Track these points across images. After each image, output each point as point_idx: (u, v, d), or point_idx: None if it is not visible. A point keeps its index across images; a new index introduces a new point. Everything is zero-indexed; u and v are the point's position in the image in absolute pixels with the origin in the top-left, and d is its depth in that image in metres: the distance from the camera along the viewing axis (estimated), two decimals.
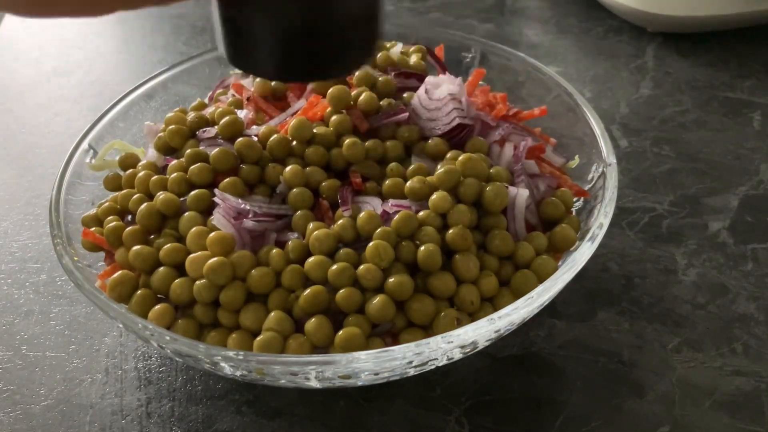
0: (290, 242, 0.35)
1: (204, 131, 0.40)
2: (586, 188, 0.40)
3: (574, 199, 0.40)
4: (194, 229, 0.35)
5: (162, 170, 0.40)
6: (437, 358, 0.32)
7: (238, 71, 0.49)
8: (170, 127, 0.41)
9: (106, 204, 0.39)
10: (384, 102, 0.41)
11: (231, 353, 0.30)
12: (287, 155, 0.39)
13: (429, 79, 0.41)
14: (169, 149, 0.41)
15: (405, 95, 0.42)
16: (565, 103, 0.44)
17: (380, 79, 0.42)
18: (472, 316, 0.33)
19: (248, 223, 0.35)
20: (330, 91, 0.40)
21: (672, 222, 0.46)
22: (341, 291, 0.32)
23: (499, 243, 0.35)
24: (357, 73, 0.42)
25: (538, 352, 0.38)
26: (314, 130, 0.39)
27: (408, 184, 0.36)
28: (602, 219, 0.35)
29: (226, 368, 0.31)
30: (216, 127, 0.40)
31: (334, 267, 0.33)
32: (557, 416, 0.35)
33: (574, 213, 0.40)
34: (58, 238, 0.36)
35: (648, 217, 0.46)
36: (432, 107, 0.40)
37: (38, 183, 0.53)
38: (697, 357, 0.38)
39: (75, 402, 0.37)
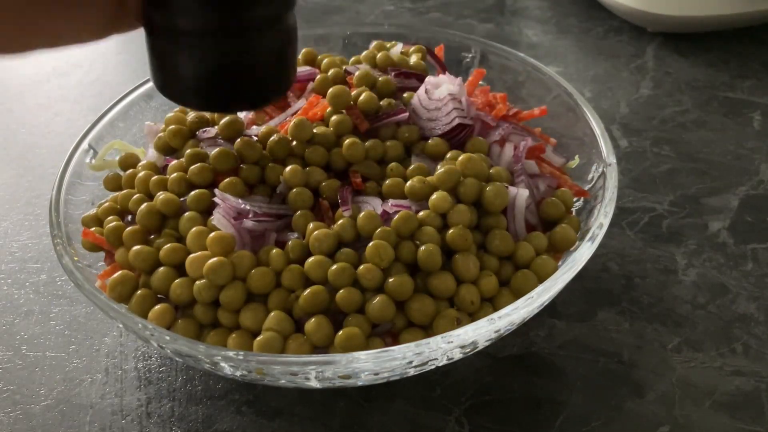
0: (290, 242, 0.35)
1: (204, 131, 0.40)
2: (586, 188, 0.40)
3: (574, 199, 0.40)
4: (194, 229, 0.35)
5: (162, 170, 0.40)
6: (437, 358, 0.32)
7: None
8: (170, 127, 0.41)
9: (106, 204, 0.39)
10: (384, 102, 0.41)
11: (231, 353, 0.30)
12: (287, 155, 0.39)
13: (429, 79, 0.41)
14: (169, 149, 0.41)
15: (405, 95, 0.42)
16: (565, 103, 0.44)
17: (380, 79, 0.42)
18: (472, 316, 0.33)
19: (248, 223, 0.35)
20: (330, 91, 0.40)
21: (672, 222, 0.46)
22: (341, 291, 0.32)
23: (499, 243, 0.35)
24: (357, 73, 0.42)
25: (538, 352, 0.38)
26: (314, 130, 0.39)
27: (408, 184, 0.36)
28: (602, 219, 0.35)
29: (226, 368, 0.31)
30: (216, 127, 0.40)
31: (334, 267, 0.33)
32: (557, 416, 0.35)
33: (574, 213, 0.40)
34: (58, 238, 0.36)
35: (648, 217, 0.46)
36: (432, 107, 0.40)
37: (38, 183, 0.53)
38: (697, 357, 0.38)
39: (75, 402, 0.37)
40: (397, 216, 0.34)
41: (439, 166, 0.36)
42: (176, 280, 0.34)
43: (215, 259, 0.33)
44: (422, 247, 0.33)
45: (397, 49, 0.47)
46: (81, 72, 0.66)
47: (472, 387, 0.37)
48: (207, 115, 0.42)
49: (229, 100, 0.30)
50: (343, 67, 0.44)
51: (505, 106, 0.43)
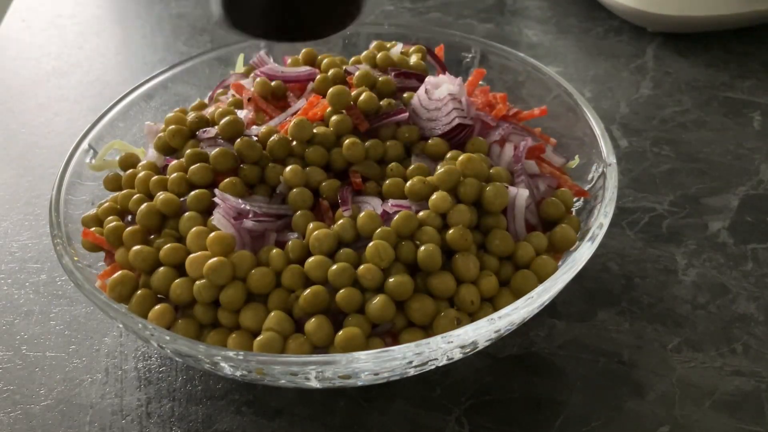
0: (290, 242, 0.35)
1: (204, 131, 0.40)
2: (586, 188, 0.40)
3: (574, 199, 0.40)
4: (194, 229, 0.35)
5: (162, 170, 0.40)
6: (437, 358, 0.32)
7: (238, 71, 0.49)
8: (170, 127, 0.41)
9: (107, 204, 0.39)
10: (384, 102, 0.41)
11: (231, 353, 0.30)
12: (287, 155, 0.39)
13: (429, 79, 0.41)
14: (169, 149, 0.41)
15: (405, 95, 0.42)
16: (565, 103, 0.44)
17: (380, 79, 0.42)
18: (472, 316, 0.33)
19: (248, 223, 0.35)
20: (330, 91, 0.40)
21: (672, 222, 0.46)
22: (341, 291, 0.32)
23: (499, 243, 0.35)
24: (357, 73, 0.42)
25: (538, 352, 0.38)
26: (314, 130, 0.39)
27: (408, 184, 0.36)
28: (602, 219, 0.35)
29: (226, 368, 0.31)
30: (216, 127, 0.40)
31: (334, 267, 0.33)
32: (557, 416, 0.35)
33: (574, 213, 0.40)
34: (58, 238, 0.36)
35: (648, 217, 0.46)
36: (432, 107, 0.40)
37: (38, 183, 0.53)
38: (697, 357, 0.38)
39: (75, 402, 0.37)
40: (397, 216, 0.34)
41: (439, 166, 0.36)
42: (176, 280, 0.34)
43: (215, 259, 0.33)
44: (422, 247, 0.33)
45: (397, 49, 0.47)
46: (81, 72, 0.66)
47: (472, 387, 0.37)
48: (207, 115, 0.42)
49: (296, 26, 0.29)
50: (343, 67, 0.44)
51: (505, 106, 0.43)
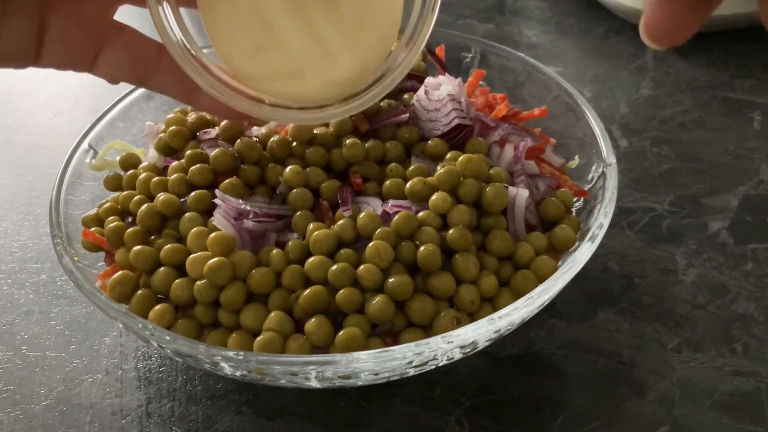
0: (290, 242, 0.35)
1: (204, 132, 0.40)
2: (586, 188, 0.40)
3: (574, 199, 0.40)
4: (194, 229, 0.35)
5: (163, 171, 0.40)
6: (437, 358, 0.32)
7: None
8: (171, 128, 0.41)
9: (107, 204, 0.39)
10: (384, 103, 0.41)
11: (231, 353, 0.30)
12: (287, 156, 0.39)
13: (428, 80, 0.41)
14: (169, 150, 0.41)
15: (405, 96, 0.42)
16: (565, 103, 0.44)
17: None
18: (472, 316, 0.33)
19: (248, 223, 0.35)
20: None
21: (672, 222, 0.46)
22: (341, 291, 0.32)
23: (499, 243, 0.35)
24: None
25: (538, 352, 0.38)
26: (314, 131, 0.39)
27: (408, 184, 0.36)
28: (602, 219, 0.35)
29: (226, 368, 0.31)
30: (216, 128, 0.40)
31: (334, 267, 0.33)
32: (557, 416, 0.35)
33: (574, 213, 0.40)
34: (58, 238, 0.36)
35: (648, 217, 0.46)
36: (431, 108, 0.40)
37: (38, 183, 0.53)
38: (697, 357, 0.38)
39: (75, 402, 0.37)
40: (397, 216, 0.34)
41: (438, 167, 0.36)
42: (176, 281, 0.34)
43: (216, 259, 0.33)
44: (422, 247, 0.33)
45: None
46: None
47: (472, 387, 0.37)
48: (207, 116, 0.42)
49: None
50: None
51: (505, 106, 0.43)
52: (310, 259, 0.33)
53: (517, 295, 0.33)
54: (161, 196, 0.37)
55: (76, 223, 0.39)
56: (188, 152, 0.39)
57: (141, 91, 0.46)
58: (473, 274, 0.34)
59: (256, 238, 0.36)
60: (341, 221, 0.35)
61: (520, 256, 0.35)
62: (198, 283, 0.33)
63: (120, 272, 0.35)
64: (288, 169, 0.37)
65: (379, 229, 0.34)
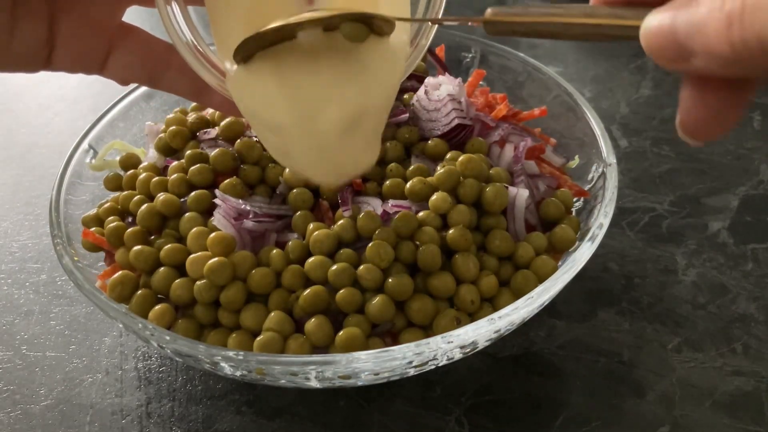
0: (290, 242, 0.35)
1: (204, 132, 0.40)
2: (586, 188, 0.40)
3: (574, 199, 0.40)
4: (195, 229, 0.35)
5: (163, 171, 0.40)
6: (437, 358, 0.32)
7: None
8: (171, 128, 0.41)
9: (108, 204, 0.39)
10: None
11: (231, 353, 0.30)
12: None
13: (428, 80, 0.41)
14: (169, 150, 0.41)
15: (405, 96, 0.42)
16: (565, 103, 0.44)
17: None
18: (472, 316, 0.33)
19: (248, 223, 0.35)
20: None
21: (672, 222, 0.46)
22: (341, 291, 0.32)
23: (499, 243, 0.35)
24: None
25: (538, 352, 0.38)
26: None
27: (408, 184, 0.36)
28: (602, 219, 0.35)
29: (226, 368, 0.31)
30: (217, 128, 0.40)
31: (334, 267, 0.33)
32: (557, 416, 0.35)
33: (574, 213, 0.40)
34: (58, 238, 0.36)
35: (648, 217, 0.46)
36: (431, 108, 0.40)
37: (38, 183, 0.53)
38: (697, 357, 0.38)
39: (75, 402, 0.37)
40: (397, 216, 0.34)
41: (438, 167, 0.36)
42: (177, 281, 0.34)
43: (216, 259, 0.33)
44: (422, 247, 0.33)
45: None
46: None
47: (472, 387, 0.37)
48: (207, 116, 0.42)
49: None
50: None
51: (505, 106, 0.43)
52: (310, 259, 0.33)
53: (517, 295, 0.33)
54: (161, 196, 0.37)
55: (76, 223, 0.39)
56: (188, 152, 0.39)
57: (141, 91, 0.46)
58: (473, 274, 0.34)
59: (256, 238, 0.36)
60: (341, 221, 0.35)
61: (520, 256, 0.35)
62: (198, 283, 0.33)
63: (120, 272, 0.35)
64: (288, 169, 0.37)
65: (379, 229, 0.34)
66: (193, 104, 0.46)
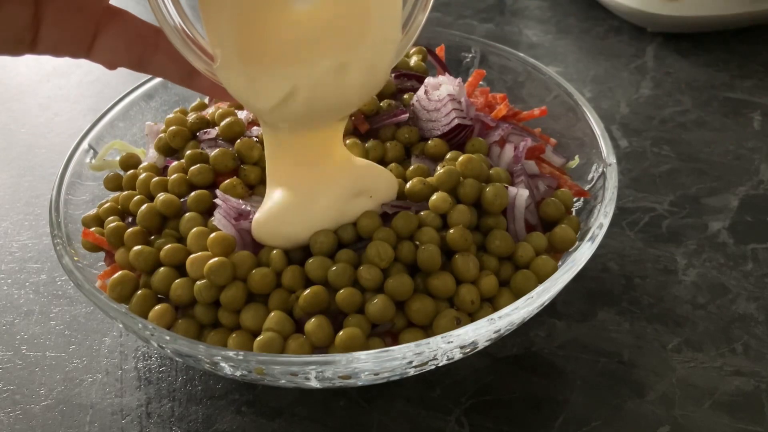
0: None
1: (205, 132, 0.40)
2: (586, 188, 0.40)
3: (574, 199, 0.40)
4: (195, 229, 0.35)
5: (163, 171, 0.40)
6: (437, 358, 0.32)
7: None
8: (171, 128, 0.41)
9: (108, 204, 0.39)
10: (384, 103, 0.41)
11: (231, 353, 0.30)
12: None
13: (428, 80, 0.41)
14: (169, 150, 0.41)
15: (405, 96, 0.42)
16: (565, 103, 0.44)
17: None
18: (472, 316, 0.33)
19: (248, 223, 0.35)
20: None
21: (672, 222, 0.46)
22: (341, 291, 0.32)
23: (499, 243, 0.35)
24: None
25: (538, 352, 0.38)
26: None
27: (408, 184, 0.36)
28: (602, 219, 0.35)
29: (226, 368, 0.31)
30: (217, 128, 0.40)
31: (334, 267, 0.33)
32: (557, 416, 0.35)
33: (574, 213, 0.40)
34: (58, 238, 0.36)
35: (648, 217, 0.46)
36: (431, 108, 0.40)
37: (38, 183, 0.53)
38: (697, 357, 0.38)
39: (75, 402, 0.37)
40: (397, 216, 0.34)
41: (438, 167, 0.36)
42: (177, 281, 0.34)
43: (216, 259, 0.33)
44: (422, 247, 0.33)
45: None
46: (81, 72, 0.66)
47: (472, 387, 0.37)
48: (207, 116, 0.42)
49: None
50: None
51: (505, 106, 0.43)
52: (310, 259, 0.33)
53: (517, 295, 0.33)
54: (161, 196, 0.37)
55: (76, 223, 0.39)
56: (188, 152, 0.39)
57: (141, 90, 0.46)
58: (473, 274, 0.34)
59: None
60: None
61: (520, 256, 0.35)
62: (198, 283, 0.33)
63: (120, 272, 0.35)
64: None
65: (379, 229, 0.34)
66: (194, 104, 0.46)
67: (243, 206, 0.36)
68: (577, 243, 0.36)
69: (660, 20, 0.62)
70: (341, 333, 0.32)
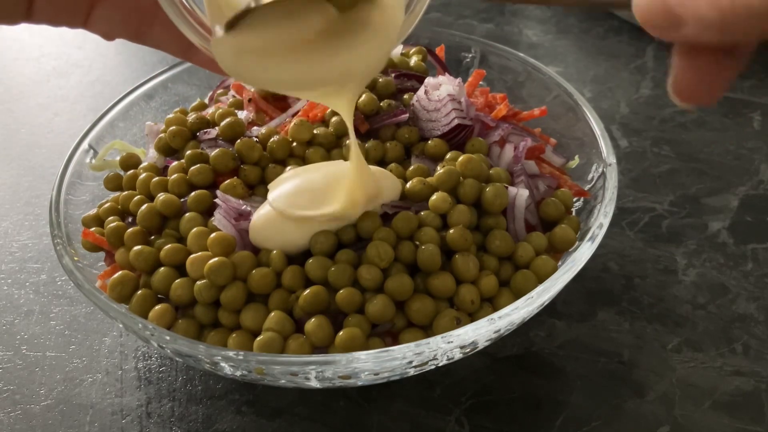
0: None
1: (205, 132, 0.40)
2: (586, 188, 0.40)
3: (574, 199, 0.40)
4: (195, 229, 0.35)
5: (163, 171, 0.40)
6: (437, 358, 0.32)
7: None
8: (171, 128, 0.41)
9: (107, 204, 0.39)
10: (384, 103, 0.41)
11: (231, 353, 0.30)
12: (288, 156, 0.39)
13: (428, 80, 0.41)
14: (169, 150, 0.41)
15: (405, 96, 0.42)
16: (565, 103, 0.44)
17: (380, 80, 0.42)
18: (472, 316, 0.33)
19: (249, 224, 0.35)
20: None
21: (672, 222, 0.46)
22: (341, 291, 0.32)
23: (499, 243, 0.35)
24: None
25: (538, 352, 0.38)
26: (314, 131, 0.39)
27: (408, 185, 0.36)
28: (602, 219, 0.35)
29: (226, 368, 0.31)
30: (217, 128, 0.40)
31: (334, 267, 0.33)
32: (557, 416, 0.35)
33: (574, 213, 0.40)
34: (58, 238, 0.36)
35: (648, 217, 0.46)
36: (431, 108, 0.40)
37: (38, 183, 0.53)
38: (697, 357, 0.38)
39: (75, 402, 0.37)
40: (397, 216, 0.34)
41: (438, 167, 0.36)
42: (177, 281, 0.34)
43: (216, 259, 0.33)
44: (422, 247, 0.33)
45: (397, 50, 0.47)
46: (81, 72, 0.66)
47: (472, 387, 0.37)
48: (207, 116, 0.42)
49: None
50: None
51: (505, 106, 0.43)
52: (310, 260, 0.33)
53: (517, 295, 0.33)
54: (161, 196, 0.37)
55: (76, 223, 0.39)
56: (188, 152, 0.39)
57: (141, 90, 0.46)
58: (473, 274, 0.34)
59: None
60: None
61: (520, 256, 0.35)
62: (198, 283, 0.33)
63: (120, 272, 0.35)
64: (288, 168, 0.37)
65: (379, 229, 0.34)
66: (194, 104, 0.46)
67: (243, 206, 0.36)
68: (577, 243, 0.36)
69: None
70: (341, 333, 0.32)
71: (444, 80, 0.41)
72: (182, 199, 0.37)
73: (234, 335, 0.33)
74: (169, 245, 0.35)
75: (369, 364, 0.30)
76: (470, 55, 0.49)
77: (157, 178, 0.38)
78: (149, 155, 0.42)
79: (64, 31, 0.72)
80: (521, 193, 0.36)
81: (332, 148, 0.39)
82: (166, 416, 0.36)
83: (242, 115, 0.42)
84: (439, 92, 0.40)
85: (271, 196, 0.35)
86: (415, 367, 0.32)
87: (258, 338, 0.32)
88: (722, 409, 0.35)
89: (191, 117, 0.41)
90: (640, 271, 0.43)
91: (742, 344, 0.38)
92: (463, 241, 0.34)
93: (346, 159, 0.38)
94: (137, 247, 0.35)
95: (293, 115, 0.42)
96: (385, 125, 0.40)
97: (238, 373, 0.32)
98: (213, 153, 0.38)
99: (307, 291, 0.32)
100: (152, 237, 0.37)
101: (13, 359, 0.40)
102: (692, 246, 0.44)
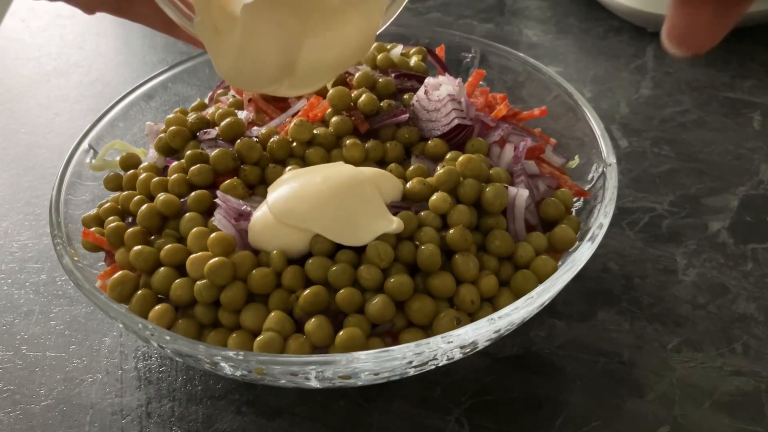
0: None
1: (205, 132, 0.40)
2: (586, 188, 0.40)
3: (574, 199, 0.40)
4: (195, 229, 0.35)
5: (163, 171, 0.40)
6: (437, 358, 0.32)
7: None
8: (171, 128, 0.41)
9: (107, 204, 0.39)
10: (384, 103, 0.41)
11: (231, 353, 0.30)
12: (288, 156, 0.39)
13: (428, 80, 0.41)
14: (169, 150, 0.41)
15: (405, 96, 0.42)
16: (565, 103, 0.44)
17: (380, 80, 0.42)
18: (472, 316, 0.33)
19: (248, 224, 0.35)
20: (330, 92, 0.40)
21: (672, 222, 0.46)
22: (341, 291, 0.32)
23: (499, 243, 0.35)
24: (357, 75, 0.42)
25: (538, 352, 0.38)
26: (315, 131, 0.39)
27: (408, 185, 0.36)
28: (602, 219, 0.35)
29: (226, 368, 0.31)
30: (217, 128, 0.40)
31: (334, 267, 0.33)
32: (557, 416, 0.35)
33: (574, 213, 0.40)
34: (58, 238, 0.36)
35: (648, 217, 0.46)
36: (431, 108, 0.40)
37: (38, 183, 0.53)
38: (697, 357, 0.38)
39: (75, 402, 0.37)
40: (397, 216, 0.34)
41: (438, 167, 0.36)
42: (177, 281, 0.34)
43: (216, 259, 0.33)
44: (422, 247, 0.33)
45: (397, 50, 0.47)
46: (81, 72, 0.66)
47: (472, 387, 0.37)
48: (207, 116, 0.42)
49: None
50: None
51: (505, 106, 0.43)
52: (310, 260, 0.33)
53: (517, 295, 0.33)
54: (161, 196, 0.37)
55: (76, 223, 0.39)
56: (188, 152, 0.39)
57: (141, 90, 0.46)
58: (473, 274, 0.34)
59: None
60: None
61: (520, 256, 0.35)
62: (198, 283, 0.33)
63: (120, 272, 0.35)
64: (288, 169, 0.37)
65: None
66: (194, 104, 0.46)
67: (243, 206, 0.36)
68: (577, 243, 0.36)
69: (660, 20, 0.62)
70: (341, 333, 0.32)
71: (444, 80, 0.41)
72: (182, 199, 0.37)
73: (234, 335, 0.33)
74: (169, 245, 0.35)
75: (369, 364, 0.30)
76: (470, 55, 0.49)
77: (157, 178, 0.38)
78: (149, 155, 0.42)
79: (64, 31, 0.73)
80: (521, 193, 0.36)
81: (332, 148, 0.39)
82: (166, 416, 0.36)
83: (242, 115, 0.42)
84: (439, 92, 0.40)
85: (270, 198, 0.34)
86: (415, 367, 0.32)
87: (258, 338, 0.32)
88: (722, 409, 0.35)
89: (191, 117, 0.41)
90: (640, 271, 0.43)
91: (742, 344, 0.38)
92: (463, 241, 0.34)
93: (346, 159, 0.38)
94: (137, 247, 0.35)
95: (293, 115, 0.42)
96: (385, 125, 0.40)
97: (238, 373, 0.32)
98: (213, 153, 0.38)
99: (307, 291, 0.32)
100: (152, 237, 0.37)
101: (13, 359, 0.40)
102: (692, 246, 0.44)
